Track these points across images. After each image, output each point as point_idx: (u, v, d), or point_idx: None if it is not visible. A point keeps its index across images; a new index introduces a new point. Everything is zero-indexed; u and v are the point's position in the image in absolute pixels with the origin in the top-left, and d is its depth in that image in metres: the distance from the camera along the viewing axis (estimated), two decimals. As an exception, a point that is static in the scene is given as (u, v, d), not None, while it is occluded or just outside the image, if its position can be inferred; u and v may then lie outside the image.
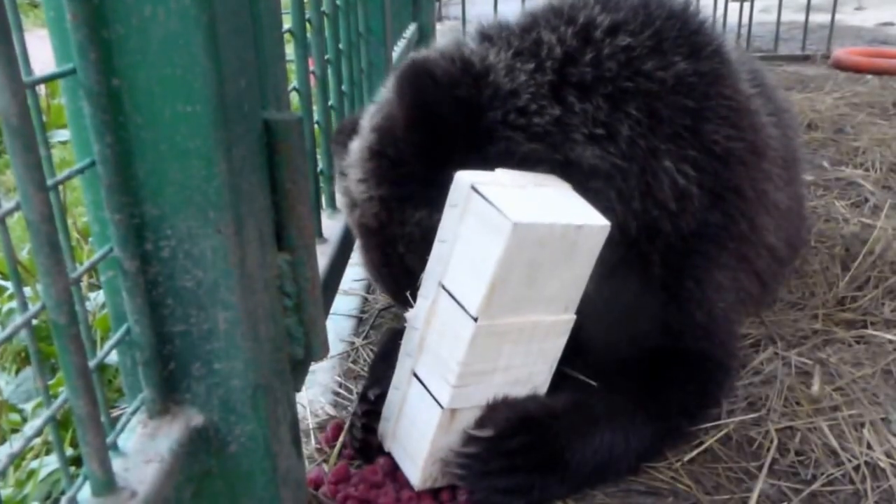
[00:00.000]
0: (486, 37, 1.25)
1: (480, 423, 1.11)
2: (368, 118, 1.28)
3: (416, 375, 1.12)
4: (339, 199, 1.40)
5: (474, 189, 1.03)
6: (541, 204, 1.06)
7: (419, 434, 1.11)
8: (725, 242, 1.26)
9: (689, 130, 1.21)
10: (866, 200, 2.17)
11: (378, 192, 1.22)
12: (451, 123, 1.15)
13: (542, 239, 1.03)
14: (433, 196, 1.14)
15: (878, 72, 3.69)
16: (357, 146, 1.27)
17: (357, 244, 1.40)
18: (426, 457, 1.10)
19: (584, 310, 1.13)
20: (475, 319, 1.02)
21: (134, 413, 0.80)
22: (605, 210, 1.11)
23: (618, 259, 1.17)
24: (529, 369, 1.14)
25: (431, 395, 1.09)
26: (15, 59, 0.57)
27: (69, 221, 0.72)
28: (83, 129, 0.70)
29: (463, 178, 1.05)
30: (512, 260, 1.01)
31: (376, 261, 1.31)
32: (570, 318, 1.13)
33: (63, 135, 2.87)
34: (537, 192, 1.10)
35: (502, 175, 1.10)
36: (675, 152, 1.19)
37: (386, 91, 1.29)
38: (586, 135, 1.16)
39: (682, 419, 1.23)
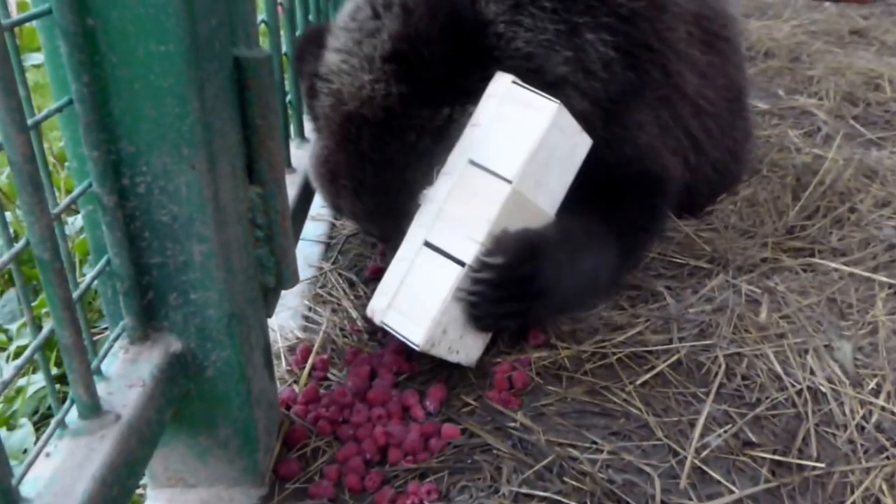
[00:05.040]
0: None
1: (490, 252, 1.18)
2: (372, 27, 1.29)
3: (428, 244, 1.19)
4: (321, 104, 1.35)
5: (515, 83, 1.21)
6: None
7: (430, 296, 1.17)
8: (642, 91, 1.41)
9: (598, 1, 1.34)
10: (819, 130, 2.22)
11: (399, 88, 1.26)
12: (470, 39, 1.26)
13: (564, 128, 1.21)
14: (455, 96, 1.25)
15: (836, -1, 3.71)
16: (365, 50, 1.28)
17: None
18: (436, 315, 1.15)
19: None
20: (510, 182, 1.16)
21: (116, 340, 0.84)
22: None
23: None
24: None
25: (450, 256, 1.17)
26: (-7, 3, 0.59)
27: (45, 146, 0.74)
28: (60, 67, 0.72)
29: (503, 75, 1.23)
30: (546, 138, 1.18)
31: (363, 149, 1.31)
32: (552, 217, 1.28)
33: (36, 58, 2.82)
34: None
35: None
36: (591, 23, 1.32)
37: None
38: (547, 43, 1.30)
39: (640, 234, 1.44)
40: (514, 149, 1.18)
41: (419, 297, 1.18)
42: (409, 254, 1.20)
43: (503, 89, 1.21)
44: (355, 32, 1.30)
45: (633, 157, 1.42)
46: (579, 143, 1.26)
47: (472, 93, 1.24)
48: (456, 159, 1.22)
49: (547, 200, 1.26)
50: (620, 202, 1.40)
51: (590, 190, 1.30)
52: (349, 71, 1.29)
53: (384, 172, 1.29)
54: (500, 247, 1.19)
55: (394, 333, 1.19)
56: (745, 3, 3.60)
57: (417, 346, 1.16)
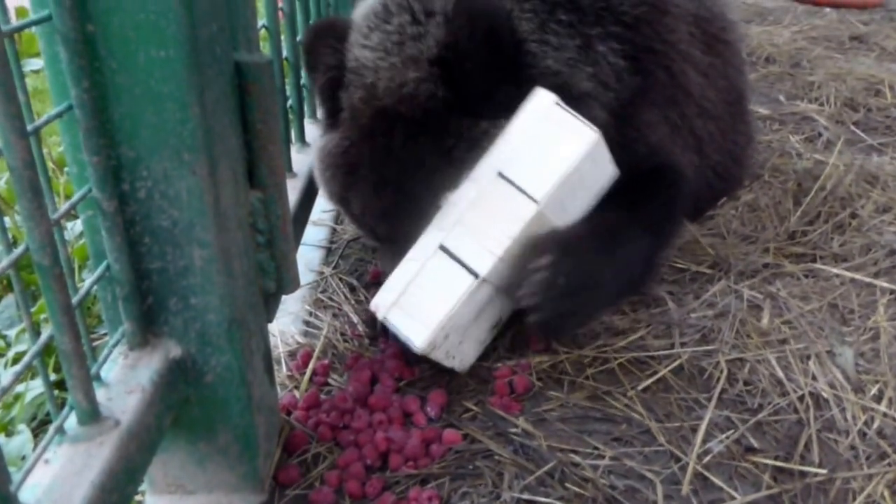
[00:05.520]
0: None
1: (532, 257, 1.18)
2: (418, 34, 1.29)
3: (444, 248, 1.18)
4: (350, 96, 1.33)
5: (558, 104, 1.21)
6: None
7: (438, 300, 1.16)
8: (648, 92, 1.42)
9: (605, 10, 1.36)
10: (820, 135, 2.22)
11: (445, 92, 1.27)
12: (508, 55, 1.28)
13: (597, 158, 1.22)
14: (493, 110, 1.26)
15: (836, 5, 3.70)
16: (409, 51, 1.28)
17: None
18: (442, 320, 1.15)
19: None
20: (537, 203, 1.17)
21: (115, 345, 0.84)
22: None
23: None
24: None
25: (465, 265, 1.17)
26: (-7, 8, 0.59)
27: (44, 151, 0.74)
28: (60, 73, 0.72)
29: (544, 93, 1.22)
30: (580, 166, 1.18)
31: (393, 144, 1.29)
32: None
33: (35, 63, 2.82)
34: None
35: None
36: (602, 34, 1.35)
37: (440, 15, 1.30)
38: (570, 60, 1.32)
39: (665, 223, 1.45)
40: (547, 170, 1.18)
41: (427, 299, 1.17)
42: (421, 255, 1.20)
43: (544, 108, 1.21)
44: (393, 35, 1.30)
45: (646, 154, 1.44)
46: (605, 174, 1.26)
47: (506, 108, 1.24)
48: (484, 168, 1.21)
49: (564, 223, 1.25)
50: (640, 196, 1.40)
51: (608, 190, 1.31)
52: (388, 67, 1.28)
53: (412, 171, 1.28)
54: (541, 248, 1.19)
55: (395, 332, 1.19)
56: (746, 8, 3.60)
57: (418, 347, 1.15)
